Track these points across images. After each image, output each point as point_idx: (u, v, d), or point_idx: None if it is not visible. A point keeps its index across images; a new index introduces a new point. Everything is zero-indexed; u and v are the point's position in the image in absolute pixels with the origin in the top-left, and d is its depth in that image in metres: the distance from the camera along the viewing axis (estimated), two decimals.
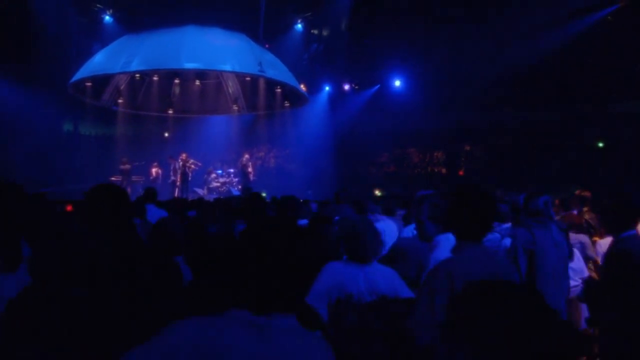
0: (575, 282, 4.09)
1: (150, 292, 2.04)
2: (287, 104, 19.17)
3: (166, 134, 22.70)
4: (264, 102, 18.92)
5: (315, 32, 19.67)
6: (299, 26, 18.68)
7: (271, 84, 17.56)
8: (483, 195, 2.30)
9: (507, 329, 0.97)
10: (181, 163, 16.78)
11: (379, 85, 21.10)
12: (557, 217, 6.11)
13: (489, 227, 2.36)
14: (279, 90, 18.22)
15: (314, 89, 20.58)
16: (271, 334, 1.34)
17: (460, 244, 2.34)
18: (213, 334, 1.30)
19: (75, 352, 1.80)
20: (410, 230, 4.44)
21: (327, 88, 21.40)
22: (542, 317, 0.99)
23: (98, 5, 16.27)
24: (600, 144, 18.72)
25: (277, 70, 15.95)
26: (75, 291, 1.94)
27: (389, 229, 5.31)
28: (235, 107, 19.98)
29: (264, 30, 17.01)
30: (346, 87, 21.63)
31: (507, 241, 4.11)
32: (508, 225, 4.77)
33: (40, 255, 2.12)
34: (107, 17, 16.47)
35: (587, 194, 6.58)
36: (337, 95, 21.60)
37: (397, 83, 20.30)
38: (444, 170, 20.96)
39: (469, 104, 18.58)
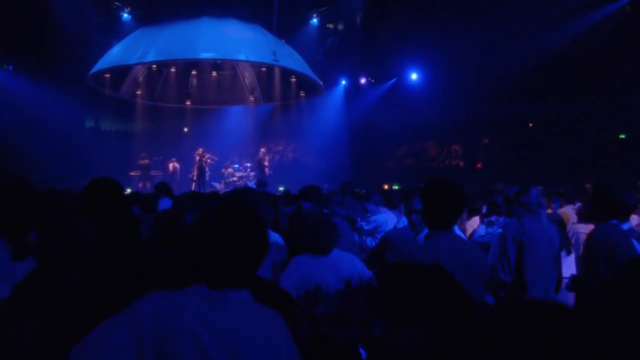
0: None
1: (137, 278, 2.21)
2: (302, 93, 19.30)
3: (185, 129, 23.00)
4: (280, 92, 19.12)
5: (331, 26, 19.68)
6: (315, 21, 18.72)
7: (286, 73, 17.71)
8: (448, 188, 2.43)
9: (417, 305, 1.09)
10: (198, 158, 17.04)
11: (395, 79, 20.98)
12: (576, 206, 6.17)
13: (456, 218, 2.49)
14: (293, 79, 18.36)
15: (330, 83, 20.56)
16: (226, 306, 1.54)
17: (431, 233, 2.51)
18: (172, 305, 1.51)
19: (70, 332, 1.97)
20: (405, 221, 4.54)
21: (343, 82, 21.35)
22: (450, 297, 1.12)
23: (116, 3, 16.63)
24: (622, 136, 18.41)
25: (291, 59, 16.08)
26: (70, 278, 2.12)
27: (388, 220, 5.45)
28: (251, 98, 20.24)
29: (280, 25, 17.11)
30: (362, 81, 21.55)
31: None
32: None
33: (42, 245, 2.29)
34: (125, 15, 16.86)
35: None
36: (354, 89, 21.53)
37: (414, 76, 20.14)
38: (461, 164, 20.85)
39: (487, 97, 18.38)
